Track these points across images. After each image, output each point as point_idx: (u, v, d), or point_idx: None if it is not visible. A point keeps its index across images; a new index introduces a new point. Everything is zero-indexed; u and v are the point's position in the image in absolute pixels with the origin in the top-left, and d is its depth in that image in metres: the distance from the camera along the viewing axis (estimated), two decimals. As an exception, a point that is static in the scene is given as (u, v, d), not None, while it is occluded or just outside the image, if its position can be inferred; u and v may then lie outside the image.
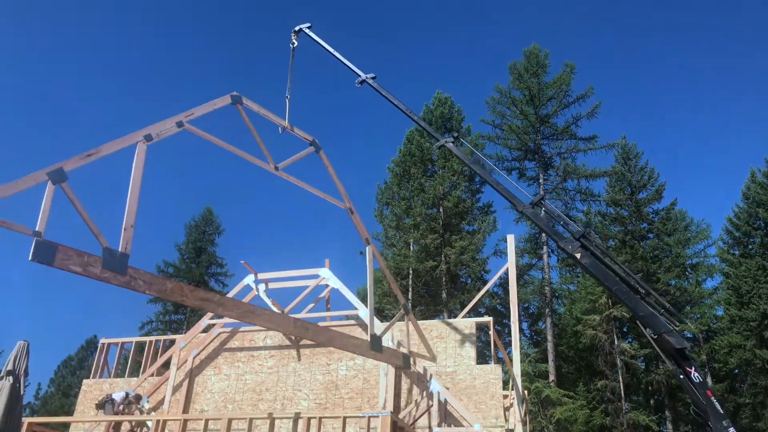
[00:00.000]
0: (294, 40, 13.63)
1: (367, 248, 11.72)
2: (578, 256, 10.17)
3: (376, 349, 10.74)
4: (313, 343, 14.47)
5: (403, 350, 12.66)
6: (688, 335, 38.30)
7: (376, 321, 13.43)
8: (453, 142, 13.94)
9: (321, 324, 14.85)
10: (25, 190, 6.84)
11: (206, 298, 8.45)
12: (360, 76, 14.45)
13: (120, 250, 7.39)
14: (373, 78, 14.38)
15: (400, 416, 12.45)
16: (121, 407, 13.13)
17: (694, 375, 8.60)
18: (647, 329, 9.15)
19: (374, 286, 41.26)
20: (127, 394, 13.44)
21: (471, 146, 13.98)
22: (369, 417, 9.64)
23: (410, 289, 37.31)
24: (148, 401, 14.53)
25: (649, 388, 40.45)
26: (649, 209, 42.88)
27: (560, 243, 10.60)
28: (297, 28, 13.91)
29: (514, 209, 12.62)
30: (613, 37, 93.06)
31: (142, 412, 13.66)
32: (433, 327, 14.20)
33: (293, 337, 14.80)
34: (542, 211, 12.82)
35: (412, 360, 12.90)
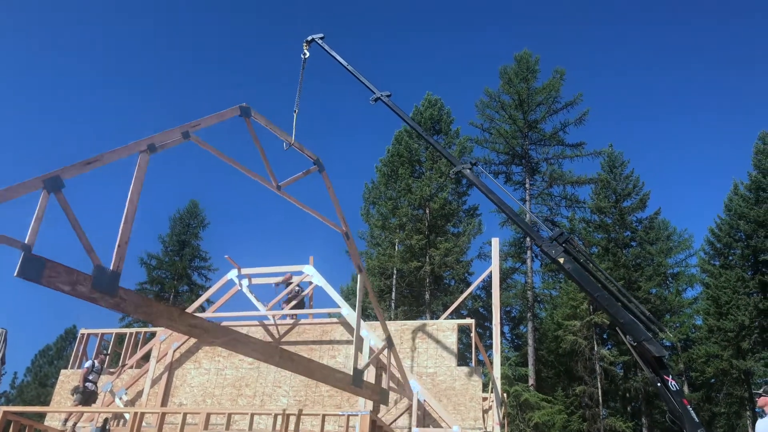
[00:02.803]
0: (305, 51, 12.94)
1: (358, 276, 11.49)
2: (561, 260, 10.22)
3: (357, 384, 10.53)
4: (294, 340, 14.47)
5: (383, 385, 12.41)
6: (667, 344, 38.71)
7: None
8: (470, 169, 13.40)
9: (303, 321, 14.86)
10: (18, 198, 6.20)
11: (195, 324, 8.05)
12: (375, 93, 13.94)
13: (111, 268, 6.89)
14: (388, 96, 13.91)
15: (380, 416, 12.47)
16: (90, 377, 13.22)
17: (672, 383, 8.68)
18: (627, 336, 9.23)
19: (356, 286, 40.95)
20: (93, 363, 13.45)
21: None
22: (348, 415, 9.65)
23: (394, 289, 37.37)
24: (126, 393, 14.45)
25: (627, 394, 40.84)
26: (632, 218, 43.27)
27: (543, 247, 10.64)
28: (309, 39, 13.27)
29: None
30: (603, 43, 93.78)
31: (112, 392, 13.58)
32: (415, 327, 14.24)
33: (276, 334, 14.77)
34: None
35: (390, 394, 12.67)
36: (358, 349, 11.46)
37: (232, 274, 15.16)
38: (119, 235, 7.02)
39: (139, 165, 7.38)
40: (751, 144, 42.31)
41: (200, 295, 24.13)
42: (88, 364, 13.56)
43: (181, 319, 7.89)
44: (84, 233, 6.68)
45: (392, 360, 12.61)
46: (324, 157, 10.70)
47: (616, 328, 9.65)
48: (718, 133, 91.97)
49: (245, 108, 9.47)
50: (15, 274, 6.06)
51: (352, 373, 10.65)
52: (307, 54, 12.92)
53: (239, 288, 15.10)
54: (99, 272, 6.71)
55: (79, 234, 6.67)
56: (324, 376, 10.31)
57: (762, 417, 7.62)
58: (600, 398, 36.10)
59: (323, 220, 10.75)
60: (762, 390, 7.57)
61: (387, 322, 14.28)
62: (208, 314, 15.04)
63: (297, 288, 15.49)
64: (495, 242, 16.19)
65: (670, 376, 8.75)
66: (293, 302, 15.34)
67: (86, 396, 13.16)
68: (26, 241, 6.11)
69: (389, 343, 12.42)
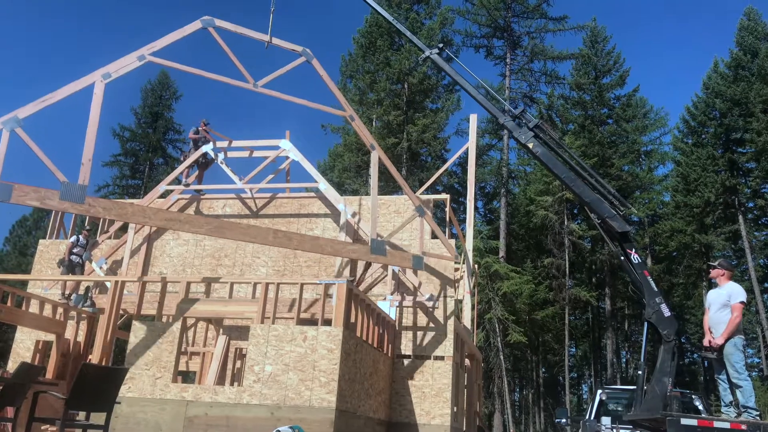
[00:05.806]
0: None
1: (372, 153, 11.51)
2: (531, 146, 10.34)
3: (378, 252, 10.16)
4: (272, 213, 14.67)
5: (413, 251, 11.74)
6: (635, 219, 40.05)
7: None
8: (438, 53, 12.94)
9: (280, 195, 14.98)
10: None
11: (171, 218, 8.70)
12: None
13: (79, 182, 7.85)
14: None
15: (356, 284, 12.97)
16: (74, 250, 13.69)
17: (634, 256, 9.07)
18: (592, 214, 9.54)
19: (333, 161, 40.82)
20: (78, 238, 13.87)
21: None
22: (325, 284, 10.00)
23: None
24: (106, 262, 14.73)
25: (593, 266, 42.76)
26: (611, 95, 43.09)
27: (514, 133, 10.73)
28: None
29: (495, 121, 12.40)
30: None
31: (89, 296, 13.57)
32: (391, 202, 14.51)
33: (253, 207, 14.94)
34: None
35: (425, 259, 11.99)
36: (375, 217, 11.08)
37: (207, 147, 15.01)
38: (84, 154, 8.04)
39: (96, 93, 8.24)
40: (736, 21, 41.63)
41: (176, 168, 23.99)
42: (72, 238, 13.96)
43: (156, 216, 8.58)
44: (47, 158, 7.91)
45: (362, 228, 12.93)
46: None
47: (584, 207, 9.96)
48: (704, 9, 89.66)
49: (207, 20, 9.88)
50: None
51: (370, 244, 10.36)
52: None
53: (215, 161, 15.01)
54: (66, 187, 7.85)
55: (43, 159, 7.90)
56: (336, 250, 10.11)
57: (715, 287, 8.11)
58: (567, 269, 37.77)
59: (323, 108, 11.06)
60: (717, 263, 7.98)
61: (362, 197, 14.54)
62: (182, 187, 15.04)
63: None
64: (473, 119, 16.16)
65: (634, 250, 9.13)
66: (270, 176, 15.30)
67: (71, 268, 13.59)
68: None
69: (420, 212, 12.18)
